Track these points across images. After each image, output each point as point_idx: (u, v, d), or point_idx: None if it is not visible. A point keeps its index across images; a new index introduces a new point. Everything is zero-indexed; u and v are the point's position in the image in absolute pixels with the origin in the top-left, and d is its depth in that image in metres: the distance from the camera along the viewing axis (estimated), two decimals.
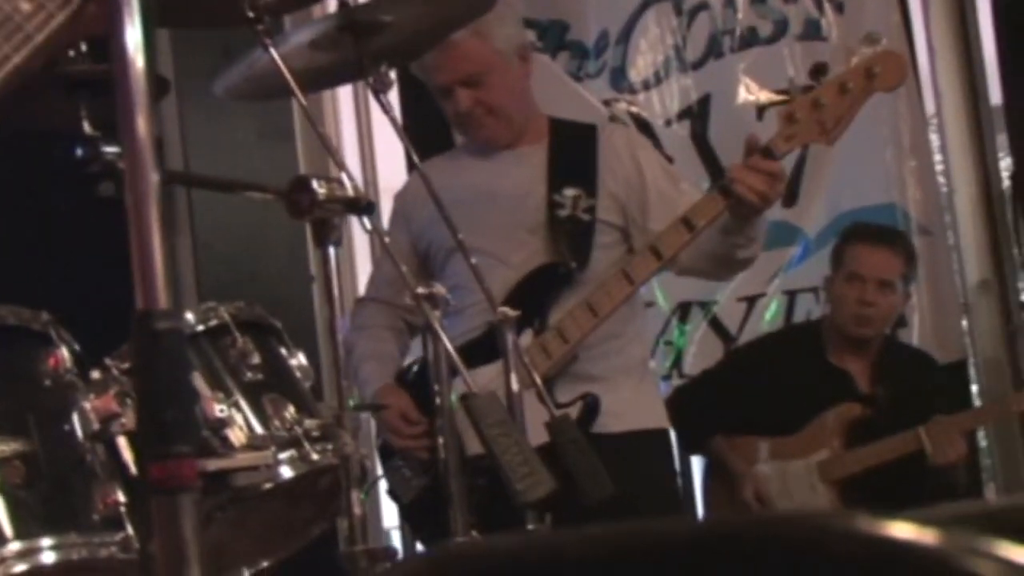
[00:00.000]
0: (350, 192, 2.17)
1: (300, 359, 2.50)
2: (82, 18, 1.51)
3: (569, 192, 3.13)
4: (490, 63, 3.09)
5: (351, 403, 2.38)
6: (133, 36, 1.27)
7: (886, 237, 4.07)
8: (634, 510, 2.73)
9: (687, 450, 4.29)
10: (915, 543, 0.58)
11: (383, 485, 3.24)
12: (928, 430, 3.80)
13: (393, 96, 2.64)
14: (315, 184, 2.13)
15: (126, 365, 2.23)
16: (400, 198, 3.35)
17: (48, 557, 2.07)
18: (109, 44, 1.30)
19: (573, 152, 3.21)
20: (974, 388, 4.89)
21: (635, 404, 3.15)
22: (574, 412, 2.99)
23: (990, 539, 0.58)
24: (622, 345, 3.16)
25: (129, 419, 2.17)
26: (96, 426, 2.18)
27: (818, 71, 3.12)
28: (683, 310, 4.66)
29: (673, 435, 3.41)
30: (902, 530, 0.59)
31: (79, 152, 2.28)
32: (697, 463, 4.34)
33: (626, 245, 3.18)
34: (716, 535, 0.64)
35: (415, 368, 3.20)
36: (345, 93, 4.73)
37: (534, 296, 3.06)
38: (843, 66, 3.08)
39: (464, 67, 3.08)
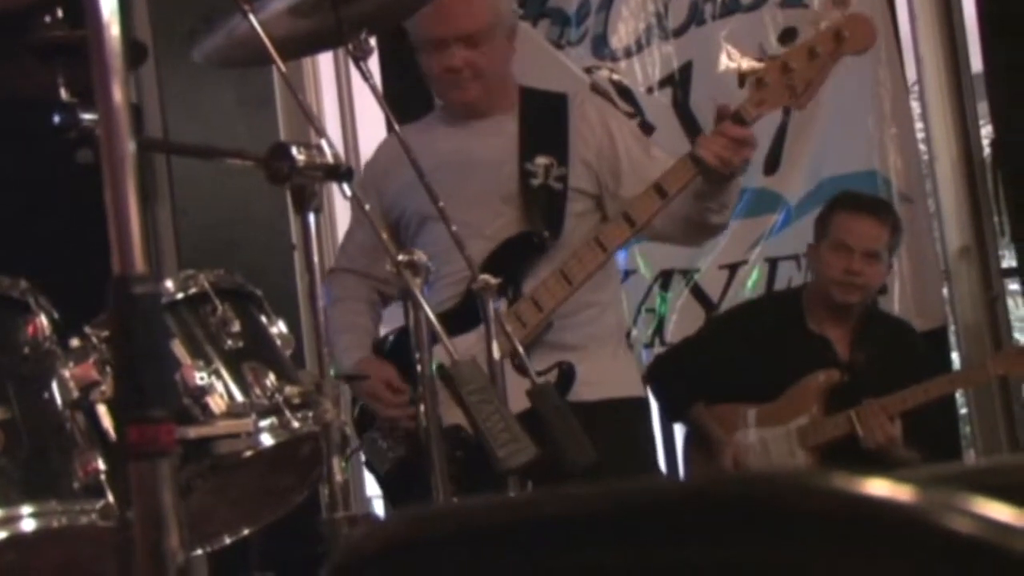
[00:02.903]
0: (329, 159, 2.16)
1: (280, 327, 2.50)
2: None
3: (541, 161, 3.13)
4: (492, 28, 3.10)
5: (332, 371, 2.38)
6: (107, 1, 1.26)
7: (873, 207, 4.07)
8: (611, 479, 2.74)
9: (669, 419, 4.29)
10: (890, 500, 0.58)
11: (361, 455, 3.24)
12: (858, 413, 3.81)
13: (373, 63, 2.63)
14: (294, 151, 2.12)
15: (105, 333, 2.22)
16: (370, 166, 3.34)
17: (28, 525, 2.07)
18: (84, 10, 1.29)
19: (544, 121, 3.21)
20: (954, 356, 4.91)
21: (610, 373, 3.16)
22: (550, 380, 2.99)
23: (966, 496, 0.58)
24: (597, 314, 3.16)
25: (109, 387, 2.16)
26: (76, 394, 2.17)
27: (788, 35, 3.14)
28: (665, 278, 4.66)
29: (653, 404, 3.42)
30: (878, 487, 0.59)
31: (57, 119, 2.26)
32: (679, 433, 4.35)
33: (600, 213, 3.18)
34: (690, 494, 0.64)
35: (391, 339, 3.20)
36: (326, 60, 4.71)
37: (508, 265, 3.06)
38: (813, 30, 3.10)
39: (469, 24, 3.07)
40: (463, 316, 2.82)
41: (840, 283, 3.92)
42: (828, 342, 3.99)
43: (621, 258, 3.21)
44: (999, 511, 0.58)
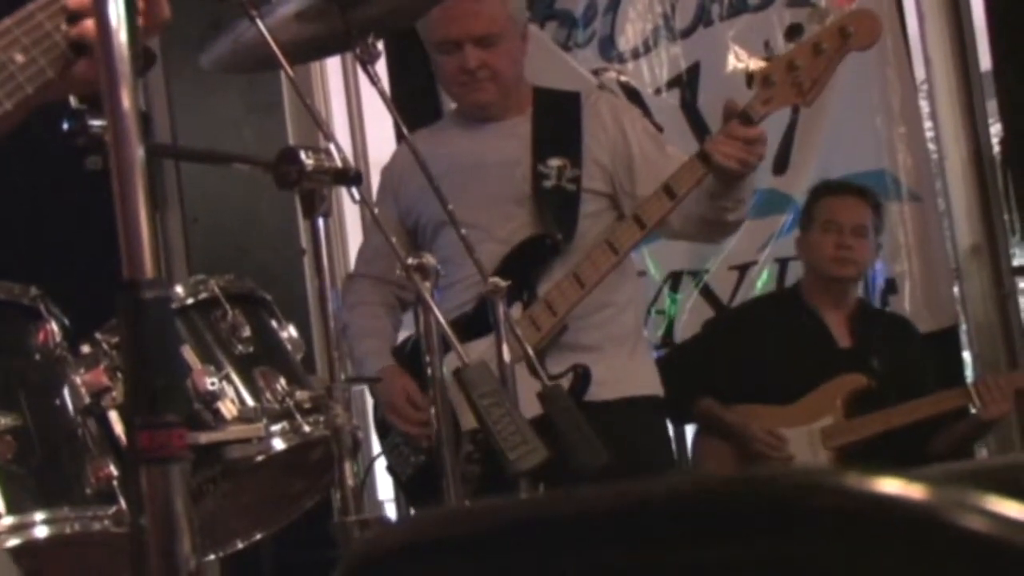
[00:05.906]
0: (338, 163, 2.15)
1: (291, 331, 2.50)
2: (71, 76, 1.52)
3: (554, 162, 3.13)
4: (505, 28, 3.10)
5: (343, 375, 2.38)
6: (115, 8, 1.26)
7: (854, 188, 4.17)
8: (627, 477, 2.73)
9: (673, 421, 4.28)
10: (902, 497, 0.58)
11: (381, 460, 3.24)
12: (978, 386, 3.88)
13: (381, 67, 2.63)
14: (303, 155, 2.12)
15: (116, 339, 2.22)
16: (387, 171, 3.34)
17: (41, 531, 2.07)
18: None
19: (557, 121, 3.20)
20: (966, 355, 4.90)
21: (627, 372, 3.15)
22: (565, 383, 2.98)
23: (979, 493, 0.58)
24: (613, 314, 3.16)
25: (120, 393, 2.16)
26: (87, 400, 2.18)
27: (793, 32, 3.13)
28: (674, 279, 4.66)
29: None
30: (889, 485, 0.59)
31: (66, 126, 2.26)
32: (691, 432, 4.34)
33: (615, 212, 3.17)
34: (700, 493, 0.64)
35: (410, 344, 3.19)
36: (334, 64, 4.72)
37: (522, 269, 3.05)
38: (818, 27, 3.09)
39: (482, 25, 3.07)
40: (480, 320, 2.81)
41: (834, 259, 4.00)
42: (827, 328, 4.01)
43: (632, 259, 3.20)
44: (1012, 508, 0.58)
